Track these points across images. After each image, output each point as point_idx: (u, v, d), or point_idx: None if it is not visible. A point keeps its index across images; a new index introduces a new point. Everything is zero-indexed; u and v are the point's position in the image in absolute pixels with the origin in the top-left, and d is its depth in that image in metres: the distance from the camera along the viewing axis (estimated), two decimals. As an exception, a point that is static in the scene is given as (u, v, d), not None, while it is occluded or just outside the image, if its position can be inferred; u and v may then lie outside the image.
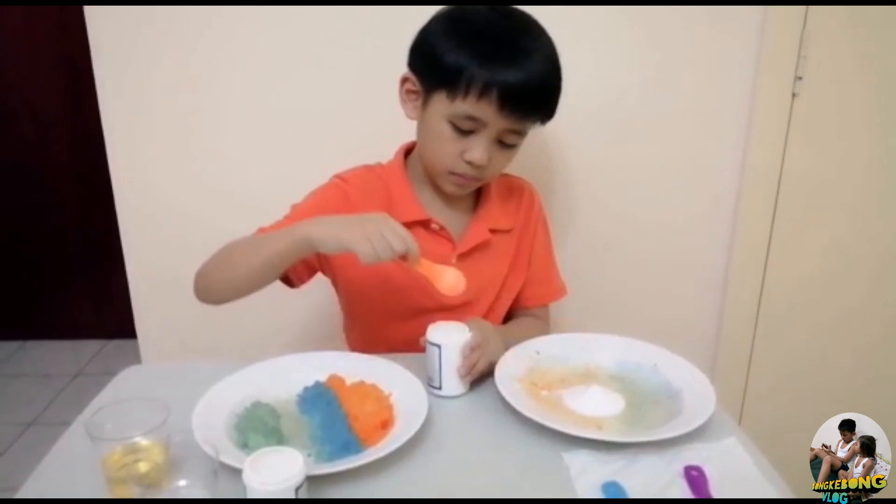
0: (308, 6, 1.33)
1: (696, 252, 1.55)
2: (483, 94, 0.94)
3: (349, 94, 1.38)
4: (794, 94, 1.42)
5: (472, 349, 0.93)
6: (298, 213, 1.07)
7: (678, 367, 0.97)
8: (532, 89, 0.96)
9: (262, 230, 1.05)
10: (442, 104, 0.98)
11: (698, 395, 0.90)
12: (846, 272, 1.57)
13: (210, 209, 1.46)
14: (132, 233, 1.47)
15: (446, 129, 0.99)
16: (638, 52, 1.40)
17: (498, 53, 0.94)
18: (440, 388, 0.93)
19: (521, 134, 1.02)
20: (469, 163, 1.00)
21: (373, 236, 0.85)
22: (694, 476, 0.77)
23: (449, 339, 0.93)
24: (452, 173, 1.04)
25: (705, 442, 0.83)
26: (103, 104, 1.39)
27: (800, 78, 1.41)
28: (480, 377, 0.97)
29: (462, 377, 0.93)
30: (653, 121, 1.45)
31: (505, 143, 1.02)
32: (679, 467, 0.79)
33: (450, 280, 0.93)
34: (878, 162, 1.49)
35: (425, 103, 1.02)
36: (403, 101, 1.06)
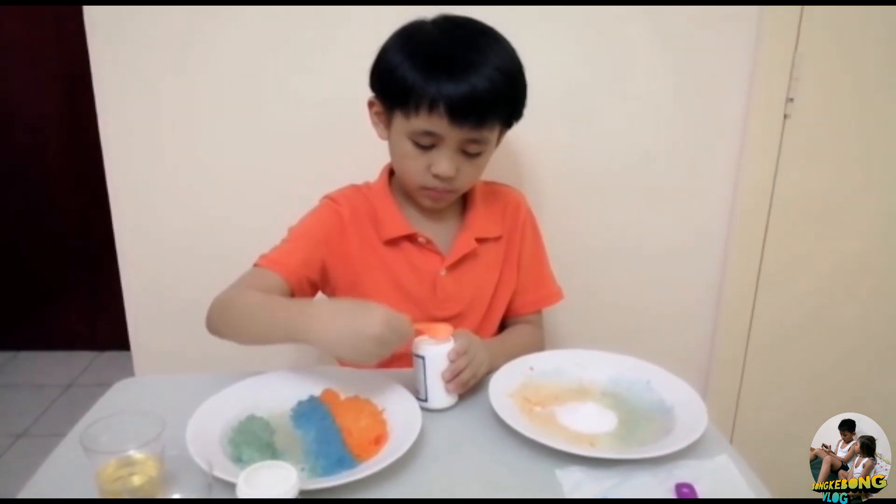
0: (308, 23, 1.35)
1: (689, 270, 1.56)
2: (432, 108, 0.96)
3: (346, 111, 1.38)
4: (785, 116, 1.44)
5: (457, 354, 0.93)
6: (295, 237, 1.10)
7: (671, 384, 0.97)
8: (478, 98, 0.97)
9: (264, 259, 1.06)
10: (400, 122, 1.01)
11: (691, 413, 0.90)
12: (838, 292, 1.58)
13: (206, 222, 1.46)
14: (128, 244, 1.48)
15: (409, 147, 1.02)
16: (631, 72, 1.42)
17: (440, 67, 0.96)
18: (426, 401, 0.93)
19: (482, 142, 1.03)
20: (437, 176, 1.03)
21: (369, 351, 0.85)
22: (685, 493, 0.77)
23: (432, 349, 0.93)
24: (424, 188, 1.06)
25: (697, 459, 0.83)
26: (102, 114, 1.40)
27: (791, 100, 1.43)
28: (468, 391, 0.97)
29: (447, 383, 0.93)
30: (646, 140, 1.46)
31: (469, 153, 1.03)
32: (671, 484, 0.79)
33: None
34: (869, 183, 1.51)
35: (389, 123, 1.05)
36: (374, 124, 1.09)
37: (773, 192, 1.49)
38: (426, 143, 1.01)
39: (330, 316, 0.88)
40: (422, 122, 0.98)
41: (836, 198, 1.51)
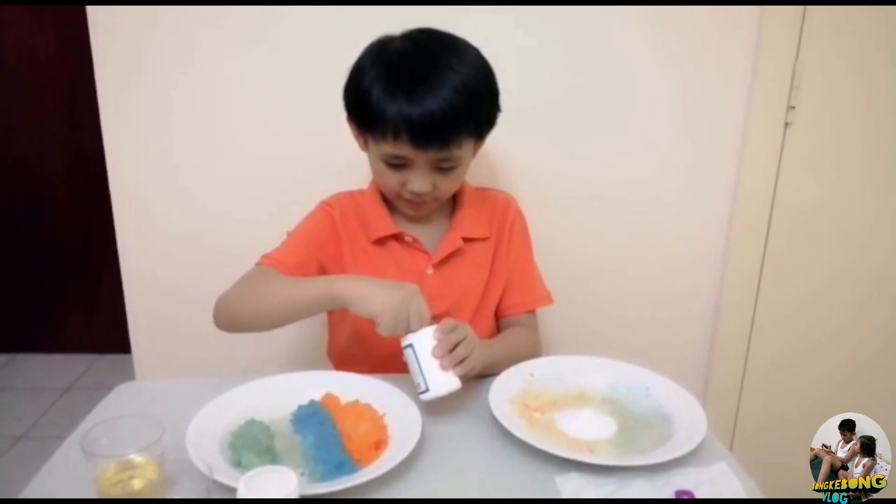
0: (309, 23, 1.35)
1: (689, 277, 1.56)
2: (396, 134, 0.98)
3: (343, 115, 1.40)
4: (786, 124, 1.44)
5: (443, 332, 0.91)
6: (294, 239, 1.12)
7: (670, 390, 0.98)
8: (438, 122, 0.97)
9: (266, 258, 1.08)
10: (371, 144, 1.04)
11: (690, 420, 0.91)
12: (837, 299, 1.58)
13: (208, 225, 1.46)
14: (129, 247, 1.48)
15: (383, 167, 1.05)
16: (630, 79, 1.43)
17: (399, 92, 0.97)
18: (428, 389, 0.90)
19: (453, 159, 1.03)
20: (413, 193, 1.05)
21: (399, 313, 0.90)
22: (684, 500, 0.77)
23: (417, 334, 0.90)
24: (404, 199, 1.08)
25: (696, 466, 0.83)
26: (104, 115, 1.40)
27: (792, 107, 1.43)
28: (468, 393, 0.95)
29: (441, 360, 0.89)
30: (644, 147, 1.47)
31: (443, 168, 1.04)
32: (670, 491, 0.79)
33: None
34: (869, 190, 1.51)
35: (364, 143, 1.08)
36: (356, 138, 1.11)
37: (774, 199, 1.49)
38: (397, 163, 1.03)
39: (357, 278, 0.97)
40: (388, 147, 1.00)
41: (836, 205, 1.52)
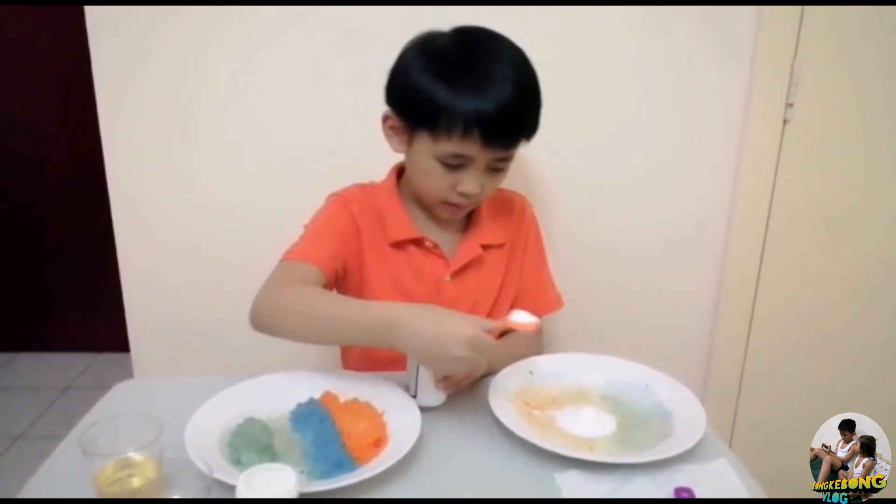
0: (309, 22, 1.35)
1: (688, 275, 1.57)
2: (465, 133, 0.95)
3: (345, 114, 1.40)
4: (785, 121, 1.44)
5: None
6: (317, 233, 1.08)
7: (670, 388, 0.98)
8: (512, 119, 0.97)
9: (293, 253, 1.04)
10: (427, 143, 0.99)
11: (689, 417, 0.91)
12: (836, 296, 1.58)
13: (207, 224, 1.46)
14: (128, 246, 1.47)
15: (435, 166, 1.01)
16: (629, 76, 1.42)
17: (471, 90, 0.94)
18: (415, 397, 0.93)
19: (508, 159, 1.03)
20: (462, 194, 1.02)
21: (449, 371, 0.90)
22: (684, 497, 0.77)
23: None
24: (446, 203, 1.05)
25: (696, 463, 0.83)
26: (102, 115, 1.40)
27: (791, 105, 1.43)
28: (468, 394, 0.96)
29: (438, 383, 0.92)
30: (644, 144, 1.47)
31: (495, 169, 1.03)
32: (669, 488, 0.79)
33: (521, 320, 0.92)
34: (868, 186, 1.52)
35: (410, 140, 1.03)
36: (388, 137, 1.07)
37: (773, 196, 1.49)
38: (455, 164, 0.99)
39: (419, 322, 0.86)
40: (453, 145, 0.97)
41: (835, 202, 1.52)
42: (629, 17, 1.38)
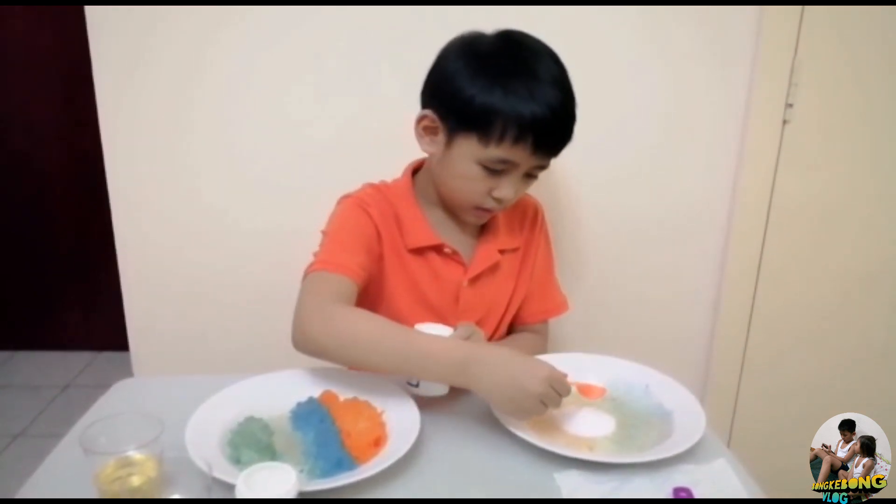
0: (309, 22, 1.35)
1: (687, 274, 1.57)
2: (520, 137, 0.94)
3: (350, 112, 1.39)
4: (784, 121, 1.44)
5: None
6: (341, 238, 1.04)
7: (669, 388, 0.98)
8: (563, 124, 0.97)
9: (323, 262, 0.99)
10: (471, 147, 0.97)
11: (689, 417, 0.91)
12: (836, 296, 1.58)
13: (207, 223, 1.46)
14: (128, 245, 1.47)
15: (476, 170, 0.99)
16: (630, 76, 1.43)
17: (524, 93, 0.93)
18: (417, 386, 0.92)
19: (547, 165, 1.03)
20: (497, 199, 1.02)
21: (526, 415, 0.86)
22: (683, 497, 0.78)
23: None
24: (478, 208, 1.04)
25: (695, 463, 0.84)
26: (102, 114, 1.39)
27: (791, 105, 1.43)
28: (467, 393, 0.95)
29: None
30: (643, 144, 1.47)
31: (532, 175, 1.03)
32: (669, 488, 0.79)
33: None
34: (869, 188, 1.52)
35: (449, 143, 1.00)
36: (420, 137, 1.04)
37: (772, 196, 1.49)
38: (498, 169, 0.98)
39: (493, 363, 0.85)
40: (502, 151, 0.96)
41: (835, 202, 1.52)
42: (629, 17, 1.38)
